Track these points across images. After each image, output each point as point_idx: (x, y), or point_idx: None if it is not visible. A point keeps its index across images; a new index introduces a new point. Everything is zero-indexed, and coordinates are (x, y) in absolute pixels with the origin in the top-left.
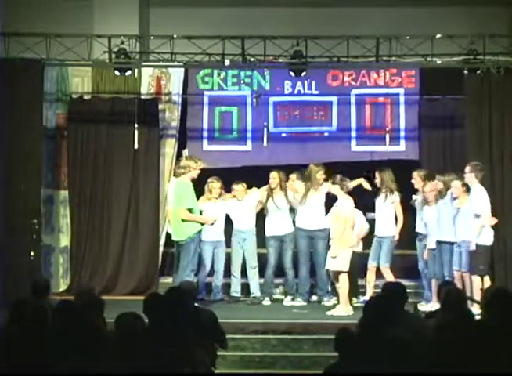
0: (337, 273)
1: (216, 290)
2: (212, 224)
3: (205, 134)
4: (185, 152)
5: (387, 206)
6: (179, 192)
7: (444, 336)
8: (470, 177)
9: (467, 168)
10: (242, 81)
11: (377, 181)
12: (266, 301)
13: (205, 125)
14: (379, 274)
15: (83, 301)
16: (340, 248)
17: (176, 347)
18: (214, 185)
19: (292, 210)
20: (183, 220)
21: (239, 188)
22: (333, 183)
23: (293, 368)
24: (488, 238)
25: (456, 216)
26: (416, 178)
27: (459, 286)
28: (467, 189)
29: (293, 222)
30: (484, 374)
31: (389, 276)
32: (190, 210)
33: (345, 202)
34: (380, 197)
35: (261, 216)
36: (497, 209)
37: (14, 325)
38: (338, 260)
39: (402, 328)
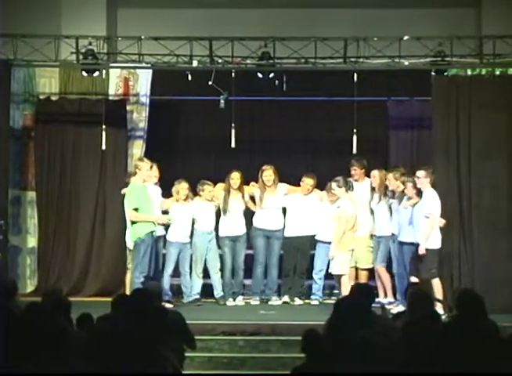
0: (338, 277)
1: (187, 292)
2: (168, 225)
3: None
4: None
5: (384, 205)
6: (127, 193)
7: (410, 337)
8: (424, 182)
9: (422, 173)
10: None
11: (375, 180)
12: (230, 302)
13: None
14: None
15: (50, 303)
16: (337, 251)
17: (144, 347)
18: (181, 186)
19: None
20: (133, 222)
21: (206, 188)
22: (338, 186)
23: (261, 369)
24: (436, 242)
25: (412, 218)
26: (391, 180)
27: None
28: (419, 192)
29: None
30: (451, 374)
31: (385, 276)
32: (136, 210)
33: (347, 203)
34: (375, 196)
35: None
36: (464, 209)
37: None
38: (336, 263)
39: (369, 329)
